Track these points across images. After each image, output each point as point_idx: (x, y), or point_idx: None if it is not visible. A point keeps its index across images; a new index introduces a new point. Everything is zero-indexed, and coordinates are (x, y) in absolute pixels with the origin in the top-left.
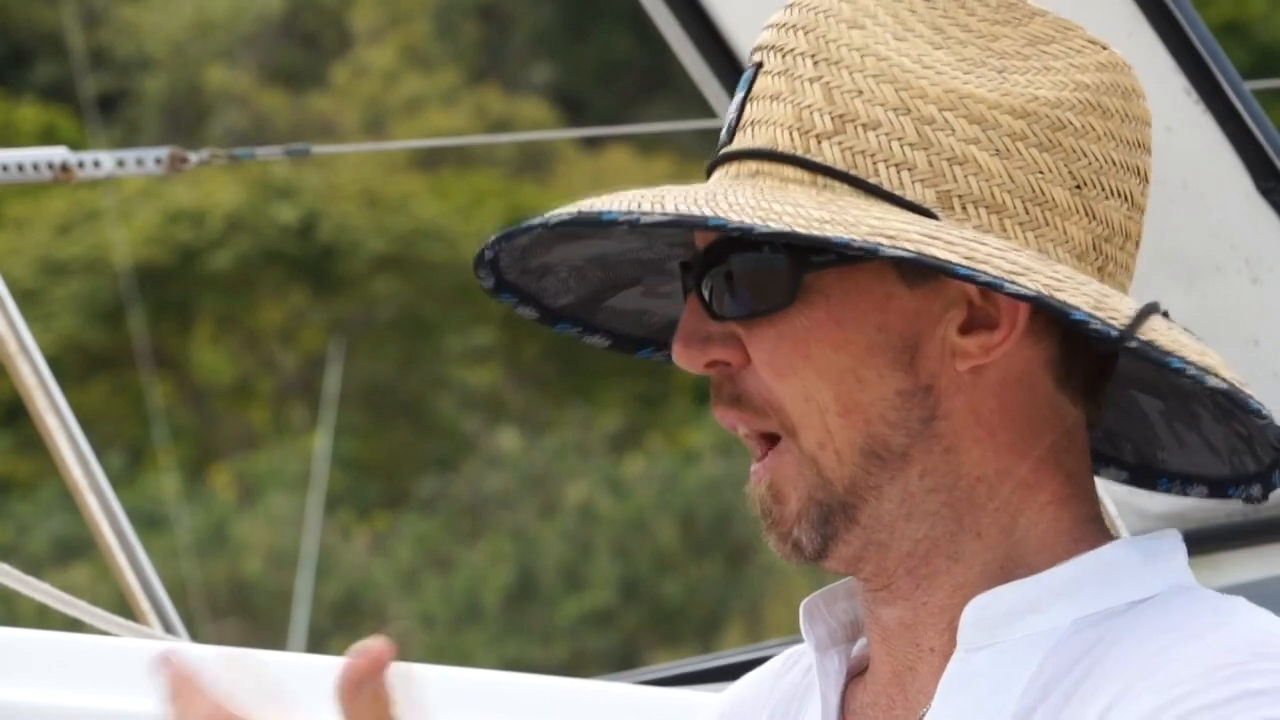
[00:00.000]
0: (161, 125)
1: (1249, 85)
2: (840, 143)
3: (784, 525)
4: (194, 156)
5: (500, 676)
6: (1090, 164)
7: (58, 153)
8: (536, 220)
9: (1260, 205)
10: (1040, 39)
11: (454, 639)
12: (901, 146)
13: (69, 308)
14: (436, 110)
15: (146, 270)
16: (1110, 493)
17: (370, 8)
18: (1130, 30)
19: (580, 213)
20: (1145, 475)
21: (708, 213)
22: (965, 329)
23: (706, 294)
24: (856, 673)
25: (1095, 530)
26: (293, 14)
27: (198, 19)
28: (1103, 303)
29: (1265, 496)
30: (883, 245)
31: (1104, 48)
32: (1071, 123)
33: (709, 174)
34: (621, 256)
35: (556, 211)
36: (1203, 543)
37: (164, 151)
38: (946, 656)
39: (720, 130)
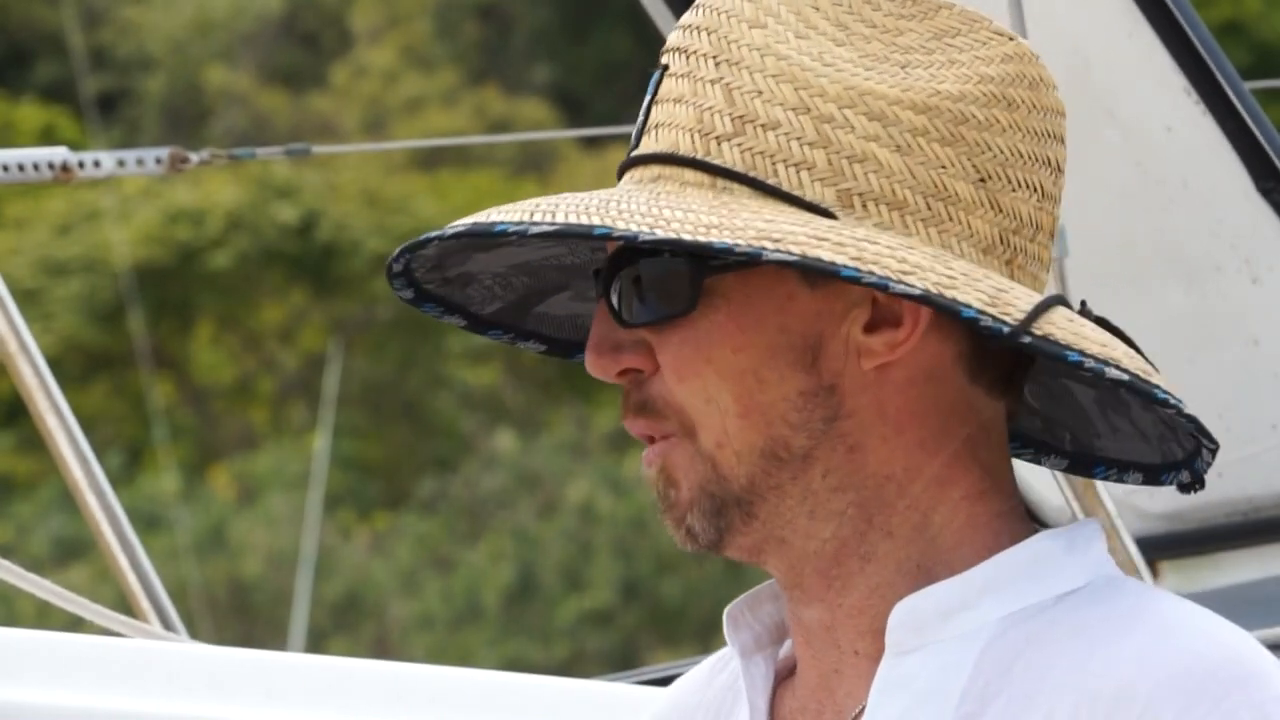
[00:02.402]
0: (161, 125)
1: (1248, 85)
2: (740, 144)
3: (678, 510)
4: (194, 156)
5: (500, 676)
6: (995, 157)
7: (58, 153)
8: (434, 233)
9: (1260, 205)
10: (946, 32)
11: (454, 639)
12: (800, 146)
13: (69, 308)
14: (436, 110)
15: (146, 270)
16: (1109, 492)
17: (370, 8)
18: (1130, 30)
19: (475, 224)
20: (1083, 463)
21: (596, 221)
22: (870, 327)
23: (615, 301)
24: (785, 675)
25: (1015, 523)
26: (293, 14)
27: (198, 19)
28: (998, 298)
29: (1198, 483)
30: (767, 249)
31: (1011, 39)
32: (975, 116)
33: (619, 178)
34: (544, 263)
35: (454, 224)
36: (1203, 543)
37: (164, 151)
38: (872, 659)
39: None
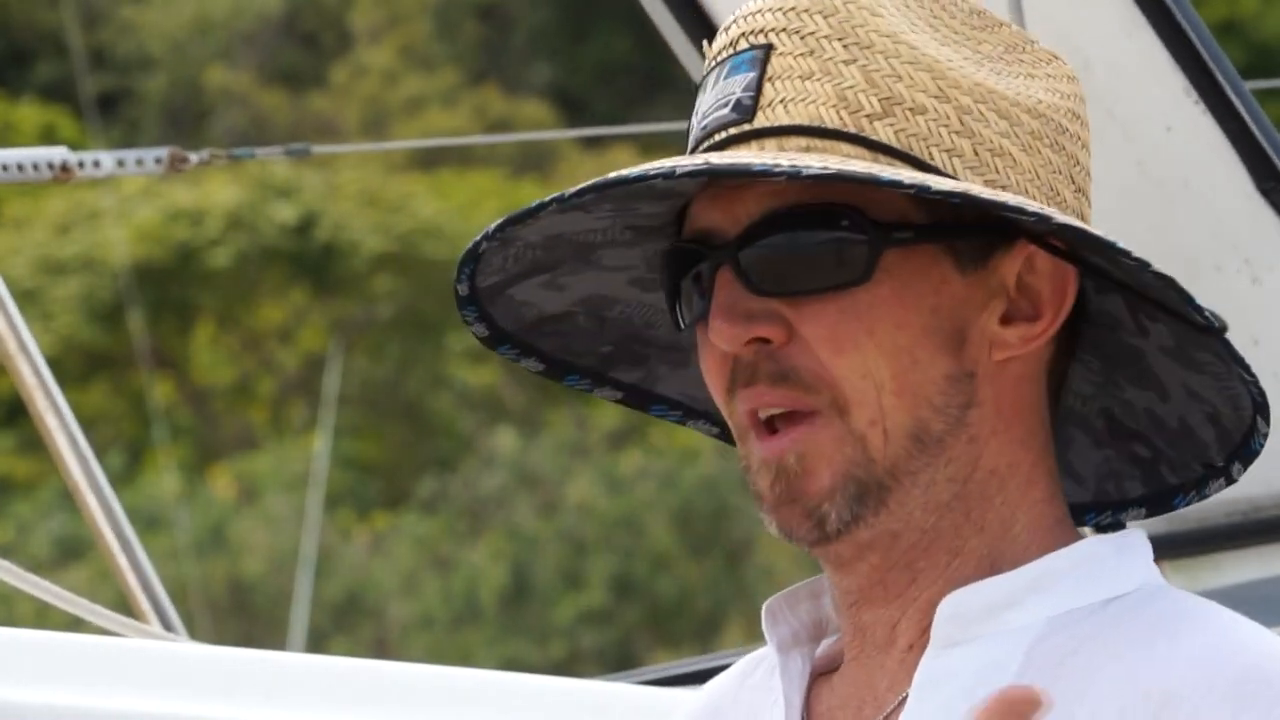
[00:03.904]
0: (161, 125)
1: (1248, 85)
2: (891, 124)
3: (810, 499)
4: (194, 156)
5: (500, 676)
6: (1080, 170)
7: (58, 153)
8: (674, 165)
9: (1260, 205)
10: (1014, 47)
11: (454, 639)
12: (948, 133)
13: (69, 308)
14: (436, 110)
15: (146, 270)
16: None
17: (370, 8)
18: (1130, 30)
19: (734, 164)
20: None
21: (860, 169)
22: (1005, 319)
23: (753, 268)
24: (822, 673)
25: (1070, 529)
26: (293, 14)
27: (198, 19)
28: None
29: (1118, 525)
30: (1055, 215)
31: (1064, 61)
32: (1068, 129)
33: (705, 151)
34: (570, 237)
35: (721, 163)
36: (1203, 543)
37: (164, 151)
38: (919, 653)
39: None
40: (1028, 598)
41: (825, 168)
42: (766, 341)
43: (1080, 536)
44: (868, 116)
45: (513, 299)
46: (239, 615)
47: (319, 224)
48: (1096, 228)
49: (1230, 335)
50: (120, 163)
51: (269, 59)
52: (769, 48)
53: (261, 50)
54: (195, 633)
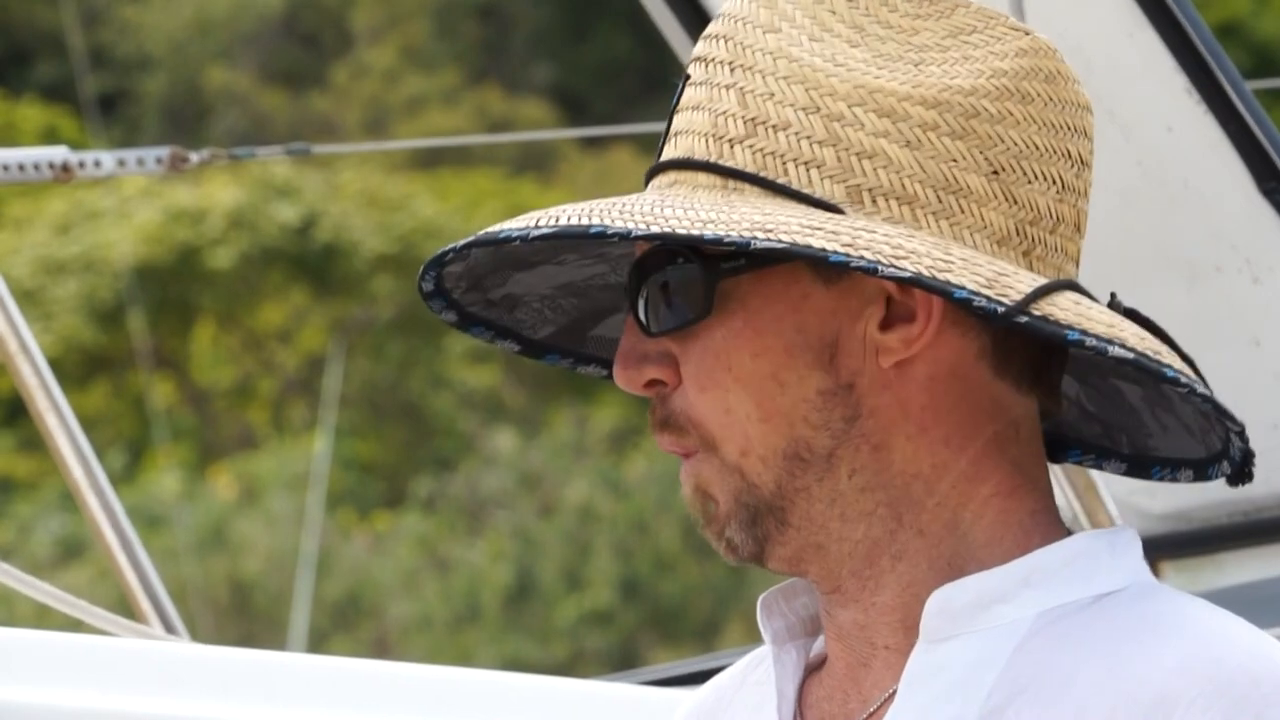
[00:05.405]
0: (161, 125)
1: (1249, 85)
2: (751, 145)
3: (717, 525)
4: (194, 156)
5: (500, 676)
6: (1008, 149)
7: (58, 152)
8: (449, 246)
9: (1261, 205)
10: (963, 30)
11: (454, 639)
12: (810, 145)
13: (69, 308)
14: (437, 110)
15: (147, 270)
16: (1111, 492)
17: (370, 8)
18: (1131, 31)
19: (484, 233)
20: (1141, 465)
21: (594, 222)
22: (886, 324)
23: (641, 310)
24: (815, 667)
25: (1048, 523)
26: (293, 14)
27: (198, 19)
28: (997, 281)
29: (1242, 475)
30: (758, 238)
31: (1027, 33)
32: (986, 110)
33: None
34: (589, 283)
35: (469, 237)
36: (1203, 543)
37: (165, 151)
38: (903, 653)
39: None
40: (1018, 593)
41: (603, 225)
42: (664, 383)
43: (1065, 532)
44: (730, 141)
45: (603, 338)
46: (239, 615)
47: (320, 224)
48: (881, 242)
49: (1230, 335)
50: (121, 163)
51: (269, 59)
52: (687, 77)
53: (261, 50)
54: (196, 633)
